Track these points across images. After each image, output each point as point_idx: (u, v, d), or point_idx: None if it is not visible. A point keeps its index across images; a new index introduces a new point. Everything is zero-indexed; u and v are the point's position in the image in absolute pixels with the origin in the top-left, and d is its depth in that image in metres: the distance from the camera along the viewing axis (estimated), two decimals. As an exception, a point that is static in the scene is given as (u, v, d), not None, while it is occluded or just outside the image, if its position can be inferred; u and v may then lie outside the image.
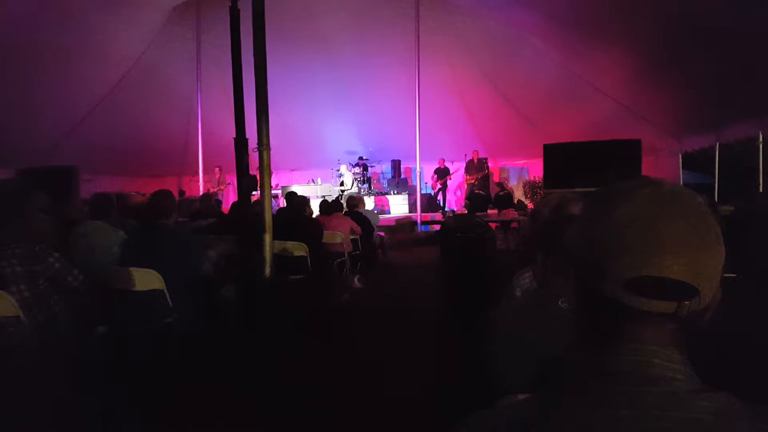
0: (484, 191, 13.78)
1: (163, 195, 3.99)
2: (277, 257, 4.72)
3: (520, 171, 15.97)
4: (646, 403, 0.64)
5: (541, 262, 1.75)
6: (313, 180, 15.34)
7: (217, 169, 13.96)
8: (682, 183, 9.34)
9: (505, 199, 12.30)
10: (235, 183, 4.76)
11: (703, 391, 0.66)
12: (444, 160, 15.00)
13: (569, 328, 0.80)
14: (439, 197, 15.23)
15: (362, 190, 14.82)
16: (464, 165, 14.76)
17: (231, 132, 4.69)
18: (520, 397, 0.76)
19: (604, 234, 0.69)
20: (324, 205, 7.30)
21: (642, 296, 0.67)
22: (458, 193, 16.30)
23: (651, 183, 0.71)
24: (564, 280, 1.43)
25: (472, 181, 14.45)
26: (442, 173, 15.02)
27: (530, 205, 12.47)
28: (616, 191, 0.72)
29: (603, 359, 0.70)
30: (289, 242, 5.37)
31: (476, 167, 14.47)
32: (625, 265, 0.67)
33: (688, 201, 0.69)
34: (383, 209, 14.80)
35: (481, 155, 15.28)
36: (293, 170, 16.88)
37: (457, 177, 15.52)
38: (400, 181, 16.23)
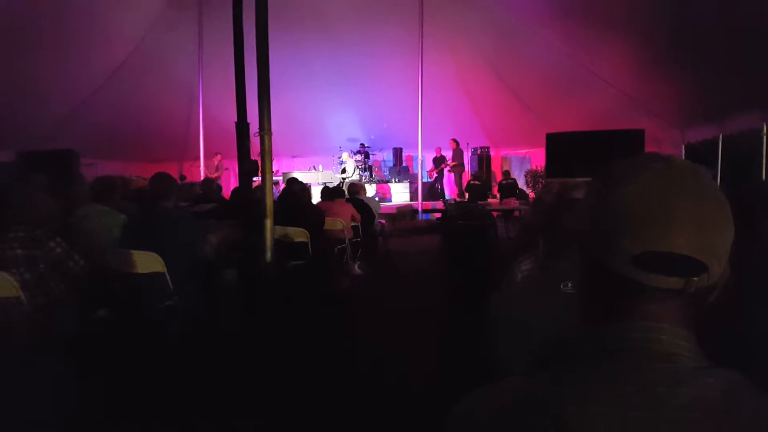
0: (481, 181, 13.84)
1: (161, 177, 3.99)
2: (277, 243, 4.72)
3: (522, 160, 15.95)
4: (653, 380, 0.64)
5: (543, 247, 1.75)
6: (314, 167, 15.31)
7: (218, 155, 13.94)
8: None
9: (508, 188, 12.29)
10: (236, 168, 4.74)
11: (709, 368, 0.65)
12: (441, 149, 15.09)
13: (571, 312, 0.80)
14: (437, 186, 15.30)
15: (363, 178, 14.82)
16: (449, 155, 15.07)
17: (232, 116, 4.66)
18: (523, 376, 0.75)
19: (613, 209, 0.68)
20: (326, 191, 7.29)
21: (650, 272, 0.66)
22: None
23: (661, 158, 0.70)
24: (566, 262, 1.43)
25: (451, 172, 14.65)
26: (439, 162, 15.13)
27: (532, 195, 12.47)
28: (626, 166, 0.71)
29: (609, 336, 0.69)
30: (290, 228, 5.36)
31: (454, 156, 14.61)
32: (633, 241, 0.66)
33: (698, 177, 0.68)
34: (384, 197, 14.80)
35: (484, 144, 15.35)
36: (294, 157, 16.85)
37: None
38: (401, 169, 16.22)
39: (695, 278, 0.65)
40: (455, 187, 15.06)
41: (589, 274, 0.74)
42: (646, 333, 0.67)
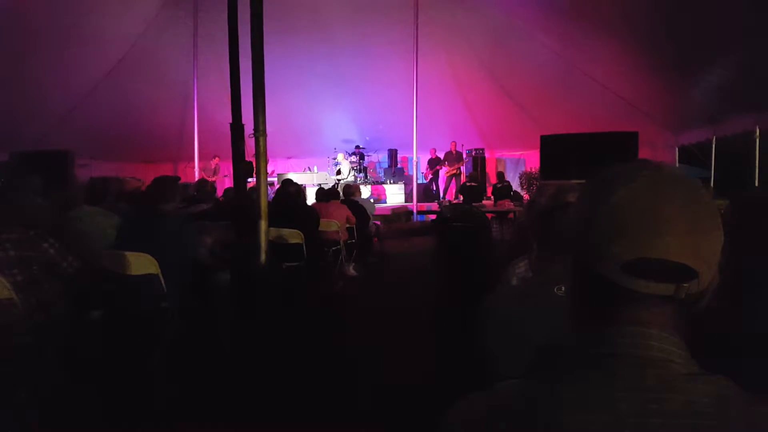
0: (477, 182, 13.84)
1: (166, 180, 3.99)
2: (272, 244, 4.71)
3: (517, 162, 15.98)
4: (643, 386, 0.64)
5: (537, 251, 1.75)
6: (309, 168, 15.28)
7: (216, 158, 13.92)
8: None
9: (503, 190, 12.31)
10: (231, 169, 4.74)
11: (700, 374, 0.66)
12: (435, 150, 15.12)
13: (564, 316, 0.80)
14: (432, 187, 15.31)
15: (359, 179, 14.80)
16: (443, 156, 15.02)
17: (227, 118, 4.66)
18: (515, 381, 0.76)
19: (603, 215, 0.69)
20: (321, 192, 7.28)
21: (640, 278, 0.66)
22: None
23: (651, 166, 0.71)
24: (560, 265, 1.43)
25: (454, 171, 14.58)
26: (434, 163, 15.15)
27: (526, 196, 12.49)
28: (616, 173, 0.71)
29: (600, 342, 0.69)
30: (284, 229, 5.36)
31: (455, 157, 14.60)
32: (623, 247, 0.66)
33: (688, 184, 0.69)
34: (379, 198, 14.79)
35: (478, 146, 15.36)
36: (290, 158, 16.79)
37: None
38: (396, 171, 16.22)
39: (686, 284, 0.66)
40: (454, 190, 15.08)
41: (579, 279, 0.75)
42: (636, 339, 0.67)
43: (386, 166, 16.64)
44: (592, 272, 0.70)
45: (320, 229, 6.12)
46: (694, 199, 0.68)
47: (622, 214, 0.67)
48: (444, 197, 14.87)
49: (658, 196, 0.67)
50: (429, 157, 15.24)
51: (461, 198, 12.14)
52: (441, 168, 15.31)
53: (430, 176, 15.28)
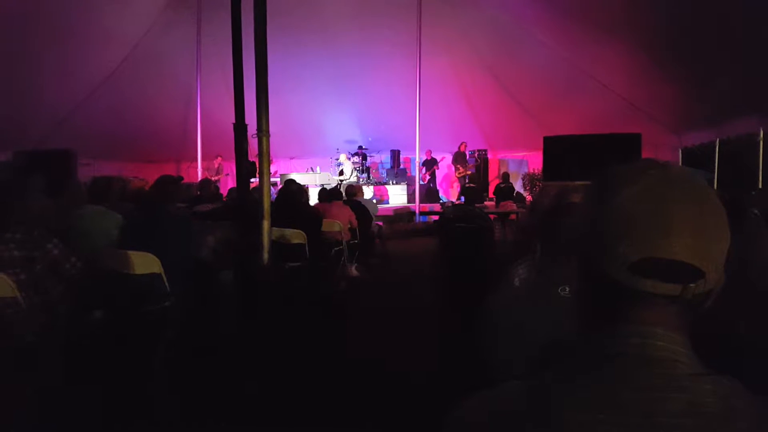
0: (476, 183, 13.84)
1: (170, 180, 3.99)
2: (275, 244, 4.71)
3: (520, 163, 15.98)
4: (648, 385, 0.64)
5: (540, 251, 1.75)
6: (312, 168, 15.30)
7: (219, 158, 13.93)
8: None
9: (506, 191, 12.30)
10: (234, 169, 4.74)
11: (706, 374, 0.65)
12: (431, 152, 15.10)
13: (569, 316, 0.80)
14: (430, 186, 15.31)
15: (361, 180, 14.80)
16: (452, 155, 14.95)
17: (230, 117, 4.66)
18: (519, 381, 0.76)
19: (609, 215, 0.69)
20: (324, 192, 7.28)
21: (647, 278, 0.66)
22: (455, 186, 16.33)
23: (658, 165, 0.70)
24: (563, 266, 1.43)
25: (467, 172, 14.55)
26: (430, 164, 15.14)
27: (529, 198, 12.48)
28: (623, 172, 0.71)
29: (605, 341, 0.69)
30: (287, 229, 5.35)
31: (464, 158, 14.59)
32: (630, 248, 0.66)
33: (694, 183, 0.68)
34: (382, 199, 14.79)
35: (481, 147, 15.34)
36: (292, 158, 16.83)
37: (444, 166, 15.60)
38: (399, 171, 16.22)
39: (692, 284, 0.65)
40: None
41: (585, 279, 0.74)
42: (642, 339, 0.67)
43: (389, 166, 16.65)
44: (599, 272, 0.70)
45: (323, 229, 6.11)
46: (701, 198, 0.67)
47: (629, 214, 0.67)
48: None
49: (664, 196, 0.67)
50: (424, 158, 15.22)
51: (463, 199, 12.14)
52: (438, 168, 15.32)
53: (428, 177, 15.27)
